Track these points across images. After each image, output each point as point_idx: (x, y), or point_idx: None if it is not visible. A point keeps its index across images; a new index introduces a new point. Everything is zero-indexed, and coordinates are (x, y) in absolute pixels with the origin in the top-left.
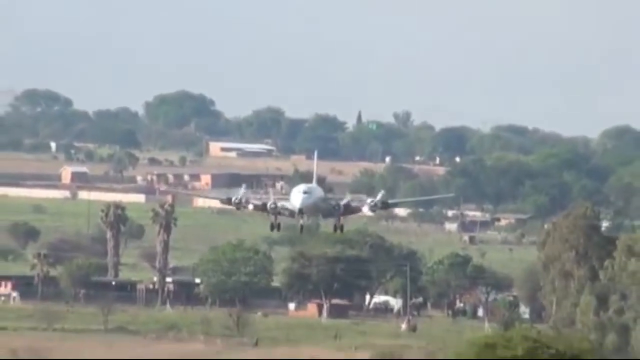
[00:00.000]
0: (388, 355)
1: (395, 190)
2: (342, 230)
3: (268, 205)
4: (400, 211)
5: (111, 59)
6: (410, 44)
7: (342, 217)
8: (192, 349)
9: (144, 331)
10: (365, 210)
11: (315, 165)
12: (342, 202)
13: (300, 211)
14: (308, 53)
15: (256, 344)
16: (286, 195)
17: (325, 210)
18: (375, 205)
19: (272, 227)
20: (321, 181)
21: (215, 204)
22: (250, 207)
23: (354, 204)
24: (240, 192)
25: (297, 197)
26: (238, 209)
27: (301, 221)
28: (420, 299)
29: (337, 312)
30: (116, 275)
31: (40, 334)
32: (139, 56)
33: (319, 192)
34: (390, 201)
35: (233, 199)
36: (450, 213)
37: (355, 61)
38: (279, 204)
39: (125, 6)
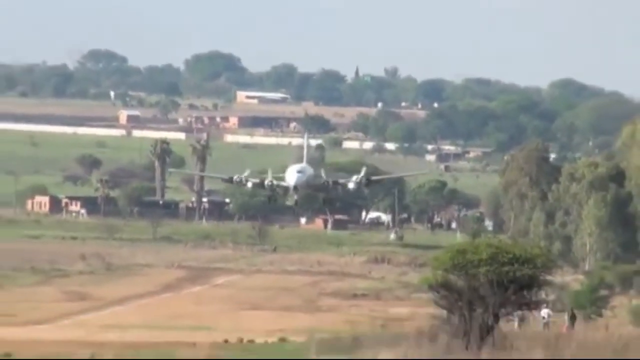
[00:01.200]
0: (380, 259)
1: (385, 130)
2: (330, 203)
3: (265, 183)
4: (390, 146)
5: (160, 24)
6: (399, 12)
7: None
8: (222, 254)
9: (185, 240)
10: (351, 185)
11: (306, 143)
12: (331, 180)
13: (295, 188)
14: (317, 20)
15: (274, 250)
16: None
17: (316, 187)
18: (360, 181)
19: (269, 200)
20: (325, 122)
21: (244, 139)
22: (249, 185)
23: (341, 181)
24: (246, 172)
25: (292, 176)
26: (239, 187)
27: (295, 196)
28: (405, 215)
29: (339, 225)
30: (163, 196)
31: (103, 242)
32: (182, 22)
33: (310, 171)
34: (372, 178)
35: (235, 178)
36: (429, 147)
37: (354, 26)
38: (275, 182)
39: None
